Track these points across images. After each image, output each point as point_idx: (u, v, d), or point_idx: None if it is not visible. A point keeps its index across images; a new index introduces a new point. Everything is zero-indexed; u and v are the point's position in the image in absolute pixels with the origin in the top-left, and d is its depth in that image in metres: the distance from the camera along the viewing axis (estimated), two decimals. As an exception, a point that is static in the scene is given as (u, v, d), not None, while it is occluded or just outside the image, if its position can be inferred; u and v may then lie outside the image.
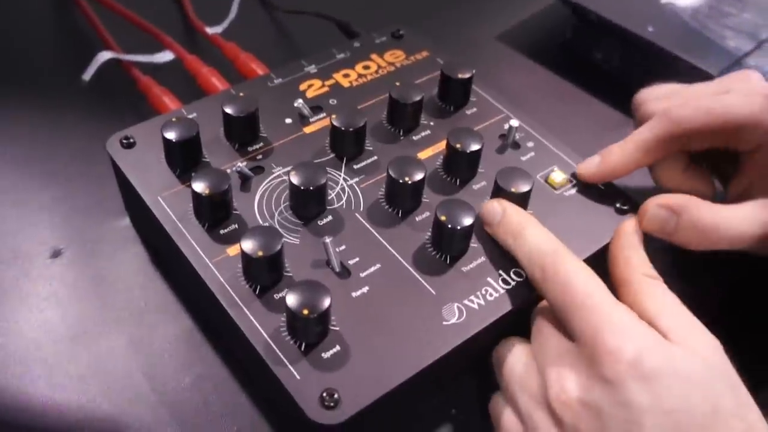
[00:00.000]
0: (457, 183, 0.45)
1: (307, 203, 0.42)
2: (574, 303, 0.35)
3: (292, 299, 0.35)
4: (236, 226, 0.41)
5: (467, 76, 0.49)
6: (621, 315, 0.34)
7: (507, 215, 0.41)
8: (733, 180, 0.44)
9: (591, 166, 0.45)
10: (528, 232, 0.39)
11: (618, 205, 0.44)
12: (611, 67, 0.62)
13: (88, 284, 0.46)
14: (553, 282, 0.36)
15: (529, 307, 0.39)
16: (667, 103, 0.44)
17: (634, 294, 0.36)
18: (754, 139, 0.41)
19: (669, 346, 0.33)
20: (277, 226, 0.41)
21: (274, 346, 0.36)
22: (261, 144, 0.46)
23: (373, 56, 0.53)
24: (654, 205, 0.40)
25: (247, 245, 0.37)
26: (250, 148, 0.46)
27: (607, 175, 0.44)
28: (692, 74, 0.56)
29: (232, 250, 0.40)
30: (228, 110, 0.45)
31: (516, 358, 0.37)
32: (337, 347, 0.36)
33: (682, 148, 0.43)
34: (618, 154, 0.44)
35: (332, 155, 0.46)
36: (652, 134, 0.43)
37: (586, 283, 0.35)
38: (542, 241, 0.39)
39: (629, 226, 0.40)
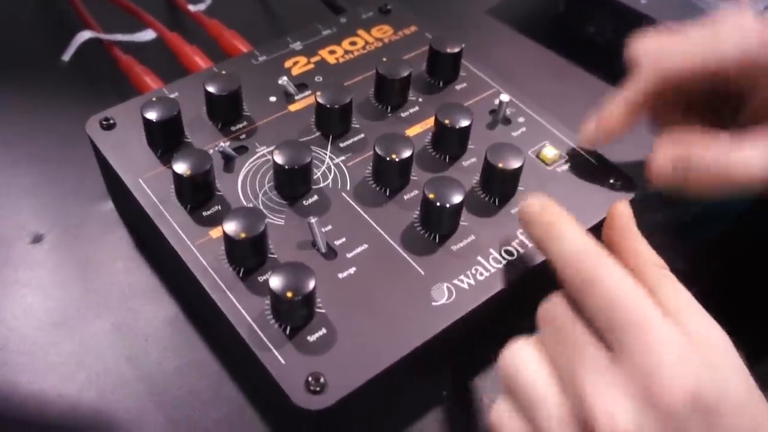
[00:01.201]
0: (447, 160, 0.43)
1: (292, 183, 0.41)
2: (623, 318, 0.31)
3: (275, 281, 0.34)
4: (219, 207, 0.40)
5: (456, 50, 0.48)
6: (674, 337, 0.31)
7: (545, 213, 0.37)
8: (734, 122, 0.41)
9: (589, 131, 0.43)
10: (564, 232, 0.35)
11: (611, 181, 0.43)
12: (604, 40, 0.61)
13: (71, 269, 0.45)
14: (594, 290, 0.32)
15: (520, 286, 0.38)
16: (657, 51, 0.42)
17: (651, 289, 0.33)
18: (751, 77, 0.39)
19: (719, 371, 0.30)
20: (262, 207, 0.40)
21: (258, 330, 0.35)
22: (244, 123, 0.45)
23: (360, 32, 0.52)
24: (660, 158, 0.38)
25: (230, 227, 0.36)
26: (233, 128, 0.44)
27: (607, 136, 0.43)
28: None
29: (215, 233, 0.39)
30: (210, 89, 0.43)
31: (531, 367, 0.32)
32: (323, 330, 0.35)
33: (676, 96, 0.42)
34: (613, 114, 0.42)
35: (318, 133, 0.45)
36: (643, 87, 0.41)
37: (634, 296, 0.32)
38: (580, 242, 0.34)
39: (625, 209, 0.37)
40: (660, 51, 0.42)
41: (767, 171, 0.37)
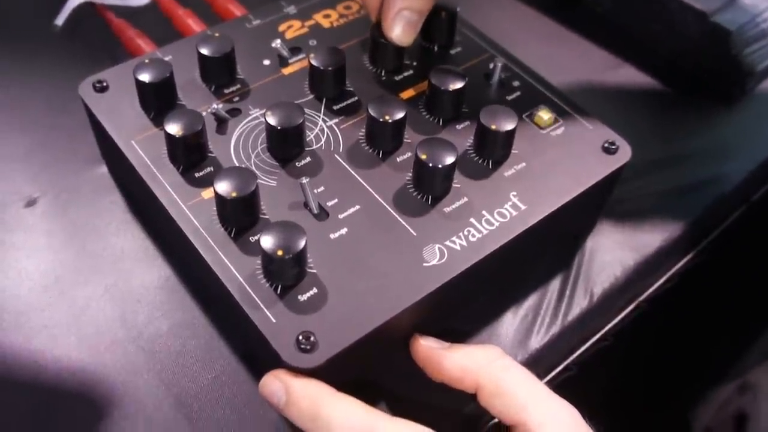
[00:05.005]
0: (440, 123, 0.43)
1: (284, 144, 0.40)
2: None
3: (266, 240, 0.34)
4: (212, 168, 0.40)
5: (452, 14, 0.47)
6: None
7: (293, 394, 0.33)
8: None
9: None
10: (328, 411, 0.32)
11: (606, 145, 0.43)
12: (603, 8, 0.61)
13: (64, 233, 0.45)
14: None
15: (512, 248, 0.38)
16: None
17: (494, 389, 0.34)
18: None
19: None
20: (254, 169, 0.40)
21: (249, 290, 0.35)
22: (238, 86, 0.44)
23: (355, -4, 0.51)
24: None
25: (221, 186, 0.36)
26: (226, 90, 0.44)
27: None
28: (686, 14, 0.54)
29: (207, 193, 0.39)
30: (203, 50, 0.43)
31: None
32: (314, 290, 0.35)
33: None
34: None
35: (311, 96, 0.44)
36: None
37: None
38: (354, 416, 0.32)
39: (422, 342, 0.37)
40: None
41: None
